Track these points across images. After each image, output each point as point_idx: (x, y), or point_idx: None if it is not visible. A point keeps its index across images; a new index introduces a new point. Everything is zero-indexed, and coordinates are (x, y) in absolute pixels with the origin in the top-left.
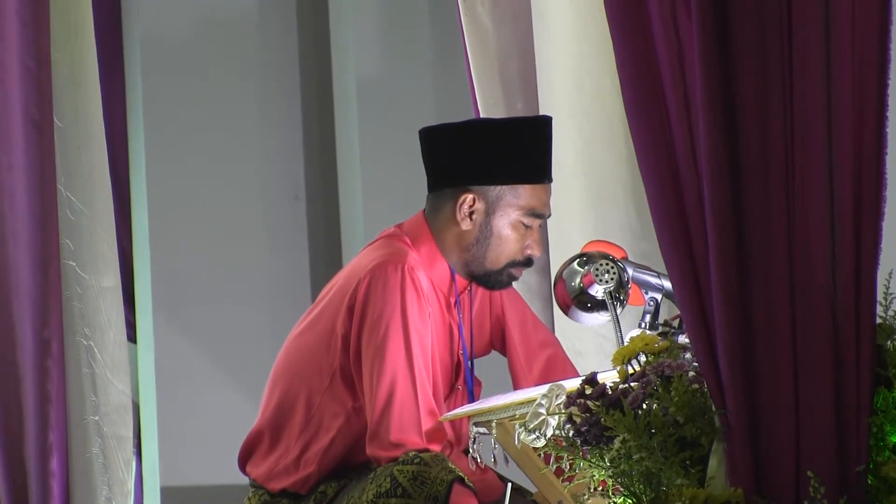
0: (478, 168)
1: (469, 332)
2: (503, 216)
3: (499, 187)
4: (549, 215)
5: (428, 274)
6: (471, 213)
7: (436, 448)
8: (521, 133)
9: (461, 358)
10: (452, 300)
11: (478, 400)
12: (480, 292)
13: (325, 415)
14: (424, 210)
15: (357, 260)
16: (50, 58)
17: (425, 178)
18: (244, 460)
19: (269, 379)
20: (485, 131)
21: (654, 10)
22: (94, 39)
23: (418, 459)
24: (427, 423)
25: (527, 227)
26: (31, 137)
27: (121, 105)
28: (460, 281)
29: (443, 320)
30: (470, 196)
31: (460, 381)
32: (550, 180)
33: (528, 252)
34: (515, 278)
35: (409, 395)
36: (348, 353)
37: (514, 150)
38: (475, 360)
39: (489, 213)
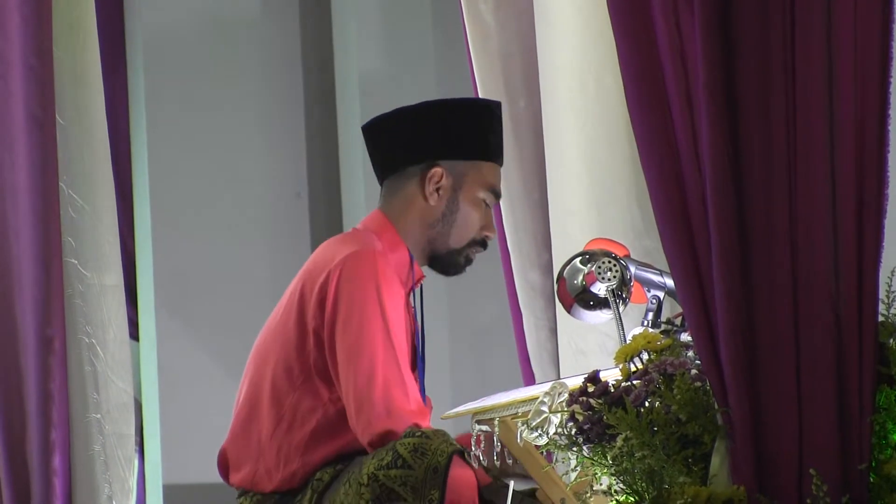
0: (442, 144)
1: (421, 322)
2: (468, 192)
3: (464, 162)
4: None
5: (390, 260)
6: (438, 188)
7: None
8: (479, 111)
9: (416, 345)
10: (408, 288)
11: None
12: None
13: (297, 412)
14: (380, 203)
15: (320, 255)
16: (52, 55)
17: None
18: (224, 469)
19: (242, 382)
20: (444, 109)
21: (657, 7)
22: (96, 36)
23: (419, 433)
24: (413, 399)
25: (487, 205)
26: (33, 135)
27: (123, 102)
28: (417, 270)
29: (406, 306)
30: (438, 170)
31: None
32: (502, 162)
33: (485, 233)
34: (471, 262)
35: (395, 375)
36: (322, 347)
37: (475, 127)
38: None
39: (455, 188)
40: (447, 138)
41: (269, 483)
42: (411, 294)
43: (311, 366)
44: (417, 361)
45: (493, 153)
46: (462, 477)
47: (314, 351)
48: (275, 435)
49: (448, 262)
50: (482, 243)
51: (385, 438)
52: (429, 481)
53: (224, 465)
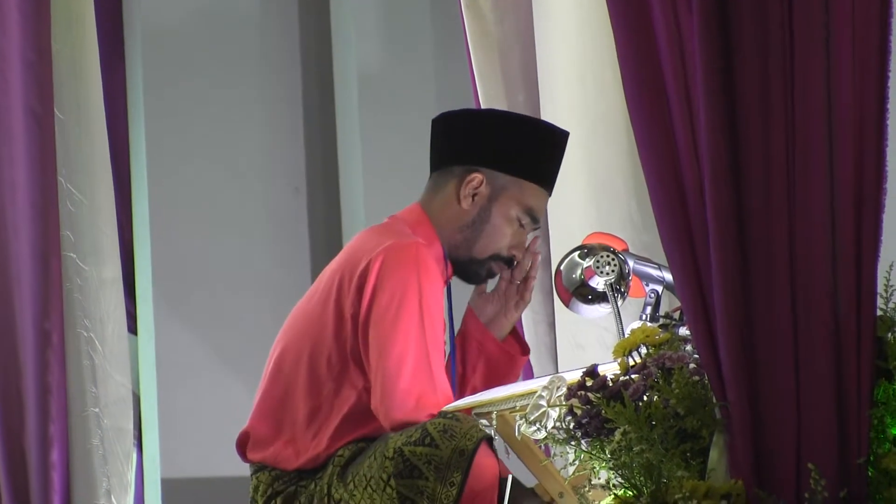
0: (492, 153)
1: (451, 322)
2: (503, 206)
3: (507, 177)
4: (539, 227)
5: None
6: (474, 194)
7: None
8: (541, 134)
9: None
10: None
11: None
12: None
13: (335, 401)
14: (422, 196)
15: (358, 244)
16: (51, 49)
17: (427, 168)
18: (243, 446)
19: (270, 361)
20: (507, 121)
21: (656, 2)
22: (95, 30)
23: (451, 415)
24: (441, 395)
25: (521, 225)
26: (31, 129)
27: (122, 96)
28: (450, 267)
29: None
30: (478, 177)
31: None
32: (552, 191)
33: (513, 251)
34: (494, 275)
35: (424, 367)
36: (357, 333)
37: (531, 147)
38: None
39: (491, 198)
40: (499, 149)
41: (294, 462)
42: (447, 285)
43: (347, 353)
44: (450, 357)
45: (542, 177)
46: (486, 465)
47: (351, 337)
48: (312, 423)
49: (467, 270)
50: (508, 261)
51: (399, 428)
52: (453, 463)
53: (244, 444)
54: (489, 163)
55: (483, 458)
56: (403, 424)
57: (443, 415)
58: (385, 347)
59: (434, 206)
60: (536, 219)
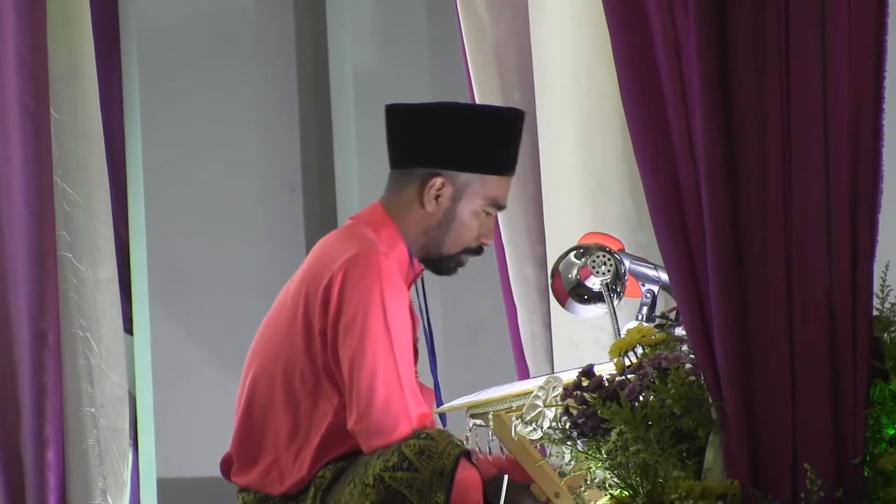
0: (450, 153)
1: (426, 316)
2: (468, 203)
3: (468, 175)
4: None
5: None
6: (437, 197)
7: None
8: (496, 123)
9: (415, 343)
10: (409, 283)
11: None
12: None
13: (314, 417)
14: (383, 195)
15: (321, 252)
16: (46, 48)
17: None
18: (227, 469)
19: (242, 384)
20: (459, 116)
21: (651, 2)
22: (91, 30)
23: (424, 435)
24: (414, 408)
25: (487, 215)
26: (27, 129)
27: (118, 96)
28: (416, 265)
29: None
30: (439, 180)
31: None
32: (514, 174)
33: (483, 240)
34: (463, 265)
35: (395, 386)
36: (327, 348)
37: (487, 139)
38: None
39: (455, 198)
40: (456, 148)
41: (280, 487)
42: (412, 288)
43: (319, 368)
44: (428, 354)
45: (502, 167)
46: (468, 479)
47: (321, 352)
48: (293, 442)
49: (438, 266)
50: (477, 250)
51: (376, 447)
52: (435, 484)
53: (228, 467)
54: (448, 163)
55: (463, 472)
56: (382, 447)
57: (416, 435)
58: (354, 366)
59: (397, 208)
60: (502, 206)
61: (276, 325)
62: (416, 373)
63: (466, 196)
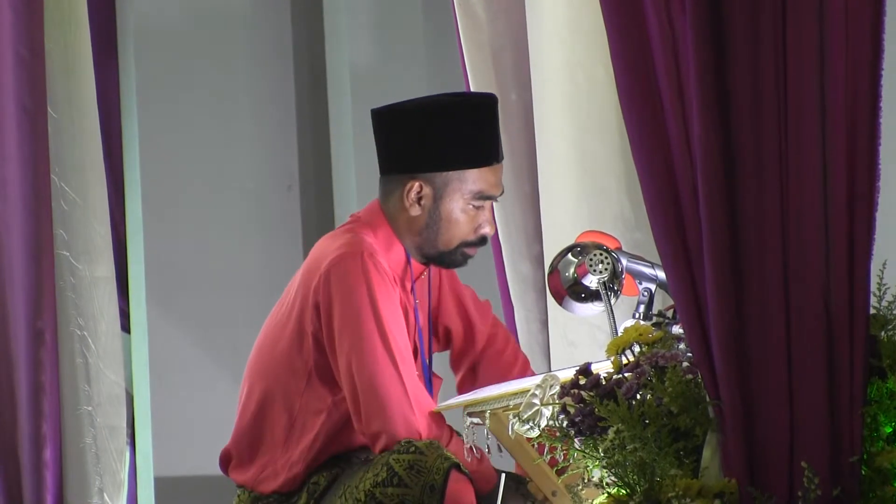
0: (423, 155)
1: (426, 318)
2: (451, 201)
3: (446, 173)
4: (502, 193)
5: (385, 258)
6: (419, 200)
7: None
8: (465, 116)
9: (417, 343)
10: (408, 285)
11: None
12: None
13: (307, 415)
14: (379, 195)
15: (317, 251)
16: (43, 47)
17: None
18: (226, 464)
19: (244, 380)
20: (429, 116)
21: (648, 1)
22: (88, 28)
23: (413, 448)
24: (418, 403)
25: (477, 208)
26: (24, 127)
27: (115, 95)
28: (416, 266)
29: (400, 303)
30: (416, 184)
31: (416, 366)
32: (499, 161)
33: (481, 231)
34: (470, 256)
35: (393, 380)
36: (323, 351)
37: (459, 135)
38: (433, 357)
39: (437, 198)
40: (428, 149)
41: (273, 484)
42: (413, 288)
43: (311, 368)
44: (422, 357)
45: (480, 158)
46: (460, 492)
47: (313, 353)
48: (288, 440)
49: (443, 261)
50: (478, 242)
51: (390, 446)
52: (426, 500)
53: (226, 462)
54: (423, 167)
55: (454, 485)
56: (387, 446)
57: (405, 449)
58: (351, 370)
59: (389, 210)
60: (490, 196)
61: (277, 322)
62: (430, 362)
63: (448, 194)
